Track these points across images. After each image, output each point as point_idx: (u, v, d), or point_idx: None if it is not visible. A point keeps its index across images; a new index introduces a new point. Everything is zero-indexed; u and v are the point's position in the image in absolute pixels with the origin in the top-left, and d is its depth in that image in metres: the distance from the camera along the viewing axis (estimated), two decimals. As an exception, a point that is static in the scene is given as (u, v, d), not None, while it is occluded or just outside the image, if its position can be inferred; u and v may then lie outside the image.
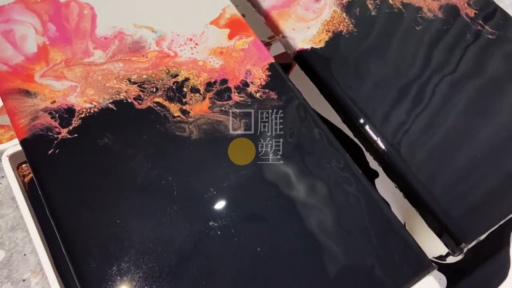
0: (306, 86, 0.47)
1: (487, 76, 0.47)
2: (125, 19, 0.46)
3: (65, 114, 0.40)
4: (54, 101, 0.40)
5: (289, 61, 0.52)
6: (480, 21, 0.50)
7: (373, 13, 0.50)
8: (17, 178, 0.45)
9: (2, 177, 0.59)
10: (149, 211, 0.36)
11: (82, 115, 0.40)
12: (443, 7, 0.51)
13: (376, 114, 0.43)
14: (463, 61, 0.47)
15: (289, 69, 0.62)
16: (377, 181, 0.54)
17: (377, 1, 0.51)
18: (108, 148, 0.39)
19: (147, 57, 0.44)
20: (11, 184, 0.44)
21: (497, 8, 0.52)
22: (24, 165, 0.52)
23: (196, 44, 0.46)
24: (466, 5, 0.52)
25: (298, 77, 0.49)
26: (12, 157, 0.47)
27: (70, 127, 0.39)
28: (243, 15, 0.61)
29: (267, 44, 0.56)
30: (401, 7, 0.51)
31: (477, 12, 0.51)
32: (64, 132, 0.39)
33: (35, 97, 0.40)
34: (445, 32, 0.49)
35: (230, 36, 0.47)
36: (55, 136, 0.39)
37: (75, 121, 0.40)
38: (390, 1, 0.51)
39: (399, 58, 0.47)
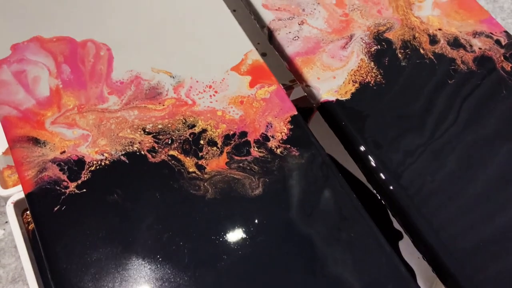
0: (329, 132, 0.45)
1: (523, 136, 0.44)
2: (143, 62, 0.44)
3: (75, 166, 0.38)
4: (64, 151, 0.38)
5: (310, 105, 0.50)
6: (517, 76, 0.47)
7: (403, 63, 0.47)
8: (21, 227, 0.43)
9: (6, 222, 0.57)
10: (157, 281, 0.34)
11: (92, 168, 0.38)
12: (478, 60, 0.48)
13: (404, 176, 0.40)
14: (497, 120, 0.44)
15: (311, 113, 0.59)
16: (401, 243, 0.51)
17: (407, 50, 0.48)
18: (117, 206, 0.36)
19: (163, 105, 0.42)
20: (14, 234, 0.42)
21: (535, 62, 0.49)
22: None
23: (216, 92, 0.43)
24: (502, 58, 0.49)
25: (321, 123, 0.47)
26: (17, 204, 0.45)
27: (79, 181, 0.37)
28: (264, 54, 0.59)
29: (289, 88, 0.54)
30: (433, 57, 0.48)
31: (514, 66, 0.48)
32: (72, 187, 0.37)
33: (45, 146, 0.38)
34: (479, 87, 0.46)
35: (252, 84, 0.44)
36: (63, 191, 0.36)
37: (84, 174, 0.37)
38: (421, 51, 0.48)
39: (430, 115, 0.44)
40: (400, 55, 0.48)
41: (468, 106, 0.45)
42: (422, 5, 0.52)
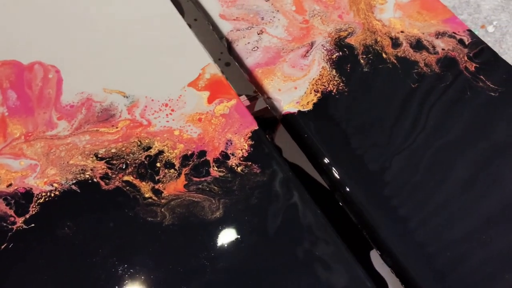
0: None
1: (488, 140, 0.43)
2: (94, 83, 0.42)
3: (22, 199, 0.36)
4: (11, 184, 0.36)
5: (277, 114, 0.49)
6: (482, 76, 0.47)
7: (365, 69, 0.46)
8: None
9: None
10: (113, 318, 0.32)
11: (41, 200, 0.36)
12: (441, 61, 0.47)
13: (370, 188, 0.39)
14: (462, 123, 0.43)
15: (278, 123, 0.58)
16: (374, 253, 0.50)
17: (369, 56, 0.47)
18: (68, 240, 0.34)
19: (117, 128, 0.40)
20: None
21: (500, 61, 0.48)
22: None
23: (172, 110, 0.42)
24: (466, 57, 0.48)
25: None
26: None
27: (27, 215, 0.35)
28: (228, 64, 0.57)
29: (254, 98, 0.53)
30: (395, 61, 0.47)
31: (478, 65, 0.47)
32: (19, 222, 0.35)
33: (-11, 179, 0.36)
34: (443, 90, 0.45)
35: (210, 100, 0.43)
36: (10, 227, 0.34)
37: (32, 207, 0.35)
38: (384, 55, 0.47)
39: (395, 122, 0.43)
40: (362, 61, 0.47)
41: (433, 111, 0.44)
42: (383, 7, 0.51)
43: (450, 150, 0.42)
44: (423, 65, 0.47)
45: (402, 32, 0.49)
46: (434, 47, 0.48)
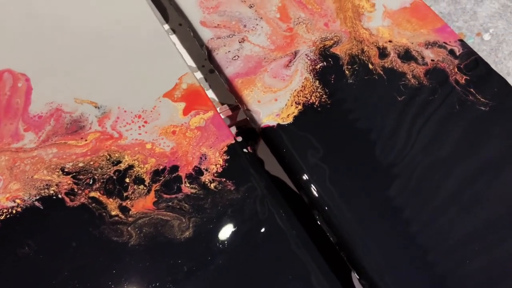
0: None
1: (478, 158, 0.41)
2: (65, 93, 0.41)
3: (-19, 216, 0.34)
4: (-30, 199, 0.35)
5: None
6: (472, 89, 0.45)
7: (350, 81, 0.44)
8: None
9: None
10: None
11: (2, 217, 0.34)
12: (430, 73, 0.45)
13: (349, 208, 0.37)
14: (450, 139, 0.41)
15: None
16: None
17: (355, 66, 0.45)
18: (28, 260, 0.33)
19: (86, 140, 0.38)
20: None
21: (491, 73, 0.46)
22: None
23: (146, 122, 0.40)
24: (456, 69, 0.46)
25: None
26: None
27: (-14, 234, 0.33)
28: (212, 71, 0.56)
29: (236, 108, 0.51)
30: (382, 72, 0.45)
31: (468, 78, 0.45)
32: (-23, 241, 0.33)
33: (-52, 194, 0.35)
34: (431, 104, 0.43)
35: (186, 111, 0.41)
36: (-34, 246, 0.33)
37: (-8, 225, 0.34)
38: (370, 66, 0.45)
39: (378, 137, 0.41)
40: (347, 72, 0.45)
41: (419, 126, 0.42)
42: (372, 15, 0.49)
43: (435, 167, 0.40)
44: (410, 76, 0.45)
45: (390, 41, 0.47)
46: (423, 57, 0.46)
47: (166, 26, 0.57)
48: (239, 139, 0.45)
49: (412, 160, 0.40)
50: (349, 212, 0.37)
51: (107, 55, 0.43)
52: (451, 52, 0.47)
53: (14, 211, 0.34)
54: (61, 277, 0.32)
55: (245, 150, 0.44)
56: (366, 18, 0.49)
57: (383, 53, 0.46)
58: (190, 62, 0.52)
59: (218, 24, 0.47)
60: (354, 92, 0.43)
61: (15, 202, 0.35)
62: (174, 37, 0.56)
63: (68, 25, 0.45)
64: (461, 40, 0.48)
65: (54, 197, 0.35)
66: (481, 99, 0.44)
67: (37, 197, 0.35)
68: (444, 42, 0.48)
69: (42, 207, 0.35)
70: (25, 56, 0.42)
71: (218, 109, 0.45)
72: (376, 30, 0.48)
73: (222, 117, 0.45)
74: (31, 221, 0.34)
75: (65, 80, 0.41)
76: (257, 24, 0.47)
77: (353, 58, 0.46)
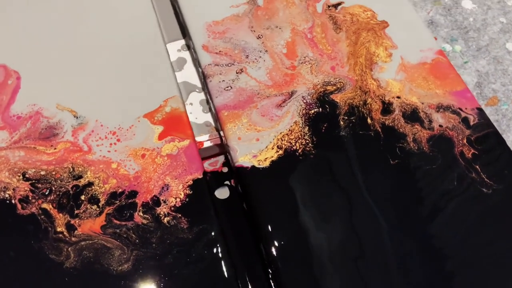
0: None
1: (475, 254, 0.36)
2: (50, 97, 0.41)
3: None
4: None
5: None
6: (477, 166, 0.40)
7: (342, 133, 0.41)
8: None
9: None
10: None
11: (-48, 212, 0.34)
12: (434, 140, 0.41)
13: (304, 278, 0.34)
14: (438, 217, 0.37)
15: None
16: None
17: (352, 118, 0.42)
18: (-38, 261, 0.33)
19: (55, 148, 0.38)
20: None
21: (505, 152, 0.41)
22: None
23: (118, 140, 0.39)
24: (464, 140, 0.41)
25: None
26: None
27: None
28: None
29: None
30: (380, 130, 0.41)
31: (476, 152, 0.41)
32: None
33: None
34: (425, 174, 0.39)
35: (161, 136, 0.40)
36: None
37: None
38: (369, 121, 0.42)
39: (358, 200, 0.37)
40: (342, 123, 0.42)
41: (406, 195, 0.38)
42: (385, 66, 0.45)
43: (411, 244, 0.36)
44: (411, 139, 0.41)
45: (398, 97, 0.43)
46: (430, 121, 0.42)
47: (182, 42, 0.56)
48: (225, 169, 0.43)
49: (386, 235, 0.36)
50: (301, 275, 0.34)
51: (101, 66, 0.43)
52: (465, 120, 0.43)
53: (-35, 208, 0.35)
54: (-11, 285, 0.32)
55: (227, 182, 0.42)
56: (378, 68, 0.45)
57: (387, 108, 0.43)
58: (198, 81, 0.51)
59: (220, 51, 0.45)
60: (344, 146, 0.40)
61: (-31, 199, 0.35)
62: (187, 53, 0.55)
63: (70, 32, 0.45)
64: (480, 109, 0.43)
65: (7, 201, 0.35)
66: (485, 179, 0.39)
67: (-9, 198, 0.35)
68: (459, 108, 0.43)
69: (-8, 209, 0.35)
70: (22, 55, 0.43)
71: (208, 136, 0.43)
72: (385, 82, 0.44)
73: (210, 144, 0.43)
74: (-22, 221, 0.34)
75: (53, 84, 0.41)
76: (260, 57, 0.45)
77: (353, 108, 0.42)
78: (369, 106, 0.43)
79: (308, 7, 0.49)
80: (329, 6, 0.49)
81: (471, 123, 0.42)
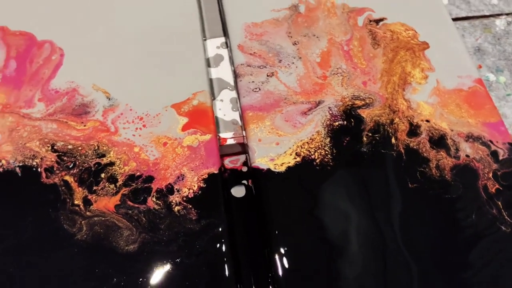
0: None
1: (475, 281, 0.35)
2: (88, 76, 0.43)
3: (-32, 165, 0.37)
4: (-33, 147, 0.38)
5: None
6: (500, 203, 0.38)
7: (363, 149, 0.40)
8: None
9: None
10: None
11: (-17, 171, 0.37)
12: (458, 169, 0.40)
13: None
14: (454, 253, 0.36)
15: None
16: None
17: (376, 135, 0.41)
18: (-15, 218, 0.35)
19: (85, 125, 0.40)
20: None
21: (531, 192, 0.39)
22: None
23: (144, 125, 0.40)
24: (490, 174, 0.40)
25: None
26: None
27: (-36, 182, 0.36)
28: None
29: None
30: (403, 151, 0.41)
31: (501, 188, 0.39)
32: (-45, 185, 0.36)
33: (-47, 136, 0.38)
34: (443, 203, 0.38)
35: (185, 127, 0.41)
36: None
37: (-27, 176, 0.37)
38: (393, 141, 0.41)
39: (369, 219, 0.37)
40: (365, 138, 0.41)
41: (417, 223, 0.37)
42: (419, 87, 0.45)
43: (417, 269, 0.35)
44: (434, 165, 0.40)
45: (427, 121, 0.42)
46: (457, 150, 0.41)
47: (222, 39, 0.57)
48: (244, 169, 0.44)
49: (393, 257, 0.35)
50: (300, 284, 0.34)
51: (139, 53, 0.45)
52: (494, 153, 0.41)
53: (-5, 170, 0.37)
54: (5, 244, 0.34)
55: (244, 181, 0.42)
56: (411, 89, 0.45)
57: (413, 131, 0.42)
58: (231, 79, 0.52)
59: (254, 52, 0.46)
60: (363, 162, 0.40)
61: (0, 162, 0.37)
62: (225, 51, 0.56)
63: (115, 16, 0.47)
64: (511, 144, 0.42)
65: (34, 169, 0.37)
66: (506, 217, 0.38)
67: (20, 164, 0.38)
68: (490, 140, 0.42)
69: (20, 174, 0.37)
70: (68, 34, 0.45)
71: (232, 133, 0.44)
72: (416, 104, 0.43)
73: (233, 142, 0.44)
74: (6, 183, 0.37)
75: (92, 65, 0.43)
76: (293, 63, 0.45)
77: (378, 126, 0.42)
78: (396, 125, 0.42)
79: (349, 20, 0.49)
80: (370, 21, 0.49)
81: (500, 158, 0.41)
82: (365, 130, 0.42)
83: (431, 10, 0.51)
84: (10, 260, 0.34)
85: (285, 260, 0.35)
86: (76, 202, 0.36)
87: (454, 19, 0.62)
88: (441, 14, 0.50)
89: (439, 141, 0.41)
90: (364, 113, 0.43)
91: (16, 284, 0.33)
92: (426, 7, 0.51)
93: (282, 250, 0.36)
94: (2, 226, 0.35)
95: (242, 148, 0.46)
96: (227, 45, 0.51)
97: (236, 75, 0.45)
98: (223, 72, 0.48)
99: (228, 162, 0.43)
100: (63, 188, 0.37)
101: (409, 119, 0.43)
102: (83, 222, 0.35)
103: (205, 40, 0.49)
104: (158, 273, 0.34)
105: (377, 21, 0.49)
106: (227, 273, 0.34)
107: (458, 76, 0.46)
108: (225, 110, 0.45)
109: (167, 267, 0.34)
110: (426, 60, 0.46)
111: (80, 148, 0.39)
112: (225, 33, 0.55)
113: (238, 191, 0.41)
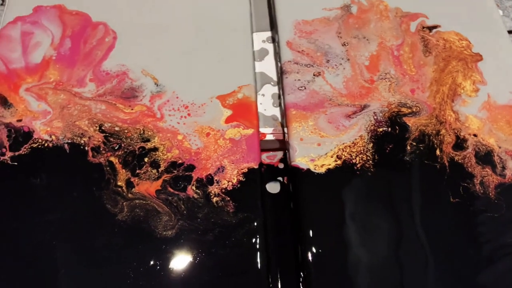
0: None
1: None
2: (138, 61, 0.43)
3: (21, 137, 0.38)
4: (21, 120, 0.39)
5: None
6: (544, 227, 0.37)
7: (406, 158, 0.40)
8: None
9: None
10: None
11: (35, 145, 0.38)
12: (503, 188, 0.39)
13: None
14: (491, 275, 0.35)
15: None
16: None
17: (420, 145, 0.40)
18: (34, 190, 0.36)
19: (132, 109, 0.41)
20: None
21: None
22: None
23: (189, 114, 0.41)
24: (537, 196, 0.39)
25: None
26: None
27: (16, 153, 0.38)
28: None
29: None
30: (447, 164, 0.40)
31: (547, 212, 0.38)
32: (7, 156, 0.38)
33: (9, 109, 0.40)
34: (484, 221, 0.37)
35: (228, 120, 0.41)
36: (-2, 156, 0.38)
37: (25, 148, 0.38)
38: (438, 152, 0.40)
39: (404, 230, 0.36)
40: (409, 147, 0.40)
41: (460, 241, 0.36)
42: (469, 100, 0.43)
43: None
44: (478, 182, 0.39)
45: (475, 135, 0.41)
46: (504, 168, 0.40)
47: (268, 34, 0.57)
48: (281, 165, 0.44)
49: (428, 271, 0.35)
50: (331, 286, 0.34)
51: (189, 42, 0.45)
52: (542, 175, 0.40)
53: (45, 144, 0.38)
54: (50, 216, 0.35)
55: (280, 178, 0.43)
56: (461, 101, 0.43)
57: (460, 144, 0.41)
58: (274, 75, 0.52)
59: (302, 50, 0.46)
60: (405, 171, 0.39)
61: (50, 137, 0.39)
62: (270, 46, 0.56)
63: (171, 3, 0.48)
64: None
65: (82, 147, 0.39)
66: (550, 243, 0.36)
67: (69, 141, 0.39)
68: (540, 161, 0.40)
69: (68, 151, 0.38)
70: (122, 17, 0.46)
71: (272, 129, 0.44)
72: (465, 117, 0.42)
73: (272, 138, 0.44)
74: (54, 158, 0.38)
75: (143, 50, 0.44)
76: (341, 64, 0.45)
77: (423, 136, 0.41)
78: (442, 137, 0.41)
79: (402, 24, 0.48)
80: (423, 27, 0.48)
81: (549, 180, 0.39)
82: (410, 139, 0.41)
83: (486, 21, 0.49)
84: (53, 231, 0.35)
85: (317, 260, 0.35)
86: (119, 183, 0.37)
87: (510, 32, 0.60)
88: (497, 26, 0.49)
89: (485, 157, 0.40)
90: (410, 121, 0.42)
91: (57, 256, 0.34)
92: (482, 17, 0.49)
93: (315, 251, 0.36)
94: (48, 199, 0.36)
95: (280, 144, 0.46)
96: (273, 39, 0.51)
97: (282, 72, 0.45)
98: (267, 66, 0.48)
99: (265, 158, 0.44)
100: (107, 168, 0.38)
101: (456, 131, 0.42)
102: (124, 203, 0.36)
103: (252, 33, 0.49)
104: (192, 260, 0.34)
105: (431, 28, 0.48)
106: (259, 266, 0.35)
107: (510, 92, 0.44)
108: (266, 105, 0.45)
109: (202, 255, 0.35)
110: (479, 73, 0.45)
111: (126, 131, 0.40)
112: (272, 27, 0.55)
113: (273, 187, 0.42)
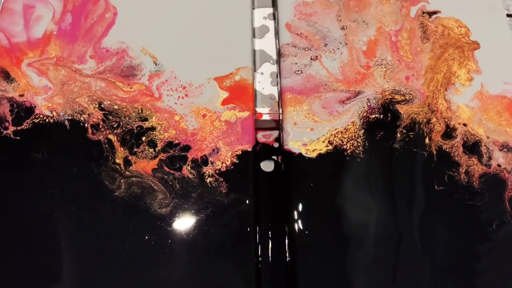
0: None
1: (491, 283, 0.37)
2: (138, 39, 0.44)
3: (23, 112, 0.40)
4: (23, 95, 0.41)
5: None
6: (523, 217, 0.39)
7: (395, 145, 0.41)
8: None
9: None
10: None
11: (36, 121, 0.40)
12: (487, 177, 0.40)
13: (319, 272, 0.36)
14: (470, 261, 0.37)
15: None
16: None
17: (410, 133, 0.42)
18: (35, 164, 0.38)
19: (131, 88, 0.42)
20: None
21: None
22: None
23: (186, 95, 0.42)
24: (519, 187, 0.40)
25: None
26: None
27: (19, 128, 0.39)
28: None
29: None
30: (434, 153, 0.41)
31: (527, 203, 0.39)
32: (10, 130, 0.39)
33: (11, 83, 0.41)
34: (467, 208, 0.39)
35: (225, 102, 0.42)
36: (1, 130, 0.39)
37: (27, 123, 0.39)
38: (427, 141, 0.41)
39: (391, 217, 0.38)
40: (399, 135, 0.42)
41: (441, 228, 0.38)
42: (462, 89, 0.44)
43: (433, 269, 0.37)
44: (463, 171, 0.40)
45: (464, 125, 0.42)
46: (490, 158, 0.41)
47: (270, 10, 0.57)
48: (276, 145, 0.45)
49: (408, 255, 0.37)
50: (318, 267, 0.36)
51: (189, 21, 0.45)
52: (526, 167, 0.41)
53: (46, 120, 0.40)
54: (48, 192, 0.37)
55: (274, 157, 0.44)
56: (454, 90, 0.44)
57: (449, 133, 0.42)
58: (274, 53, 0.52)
59: (301, 33, 0.46)
60: (393, 158, 0.41)
61: (51, 113, 0.40)
62: (271, 23, 0.56)
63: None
64: (547, 160, 0.42)
65: (81, 124, 0.40)
66: (527, 233, 0.38)
67: (69, 118, 0.40)
68: (525, 153, 0.42)
69: (68, 127, 0.40)
70: (123, -7, 0.46)
71: (268, 109, 0.45)
72: (456, 106, 0.43)
73: (269, 118, 0.45)
74: (55, 134, 0.39)
75: (143, 28, 0.45)
76: (338, 48, 0.45)
77: (414, 124, 0.42)
78: (432, 126, 0.42)
79: (402, 9, 0.48)
80: (423, 12, 0.48)
81: (532, 172, 0.41)
82: (400, 127, 0.42)
83: (488, 8, 0.49)
84: (53, 206, 0.37)
85: (302, 242, 0.37)
86: (117, 160, 0.39)
87: (509, 15, 0.59)
88: (497, 13, 0.48)
89: (473, 147, 0.42)
90: (402, 108, 0.43)
91: (56, 229, 0.36)
92: (483, 4, 0.49)
93: (301, 232, 0.37)
94: (49, 173, 0.38)
95: (276, 124, 0.47)
96: (274, 16, 0.51)
97: (280, 55, 0.45)
98: (267, 44, 0.49)
99: (261, 136, 0.45)
100: (106, 146, 0.39)
101: (447, 120, 0.43)
102: (122, 180, 0.38)
103: (253, 9, 0.49)
104: (185, 237, 0.36)
105: (431, 14, 0.48)
106: (249, 244, 0.37)
107: (504, 82, 0.45)
108: (264, 83, 0.46)
109: (194, 233, 0.37)
110: (474, 61, 0.45)
111: (125, 109, 0.41)
112: (274, 4, 0.55)
113: (268, 166, 0.43)
